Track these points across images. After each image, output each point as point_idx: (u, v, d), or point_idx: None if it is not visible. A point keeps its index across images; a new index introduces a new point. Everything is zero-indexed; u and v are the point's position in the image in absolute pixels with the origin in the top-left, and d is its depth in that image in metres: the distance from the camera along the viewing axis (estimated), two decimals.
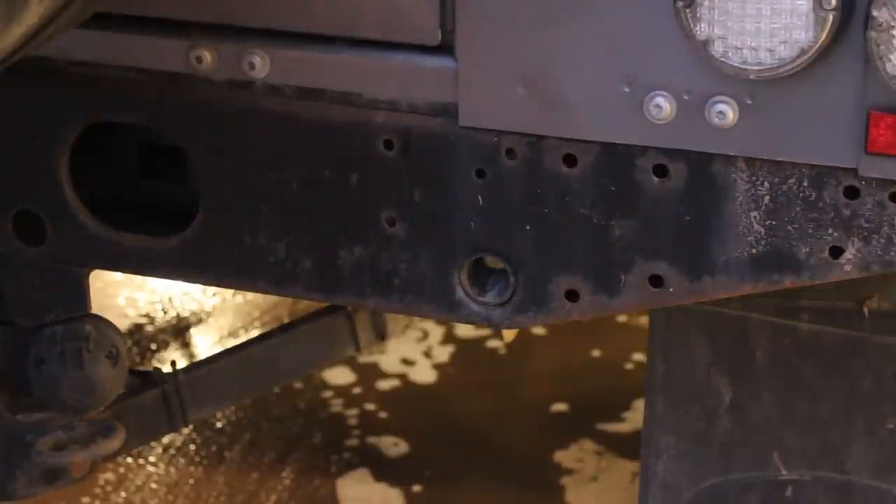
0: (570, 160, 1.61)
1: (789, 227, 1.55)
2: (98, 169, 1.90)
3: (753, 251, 1.57)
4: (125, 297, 3.87)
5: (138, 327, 3.73)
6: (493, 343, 3.66)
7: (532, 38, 1.57)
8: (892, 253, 1.52)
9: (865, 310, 1.79)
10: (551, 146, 1.62)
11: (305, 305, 3.18)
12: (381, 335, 2.55)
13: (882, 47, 1.42)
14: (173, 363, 2.29)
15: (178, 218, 1.82)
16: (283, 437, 3.31)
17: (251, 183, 1.76)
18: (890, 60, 1.42)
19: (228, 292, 3.82)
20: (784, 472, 1.86)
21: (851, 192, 1.52)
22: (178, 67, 1.73)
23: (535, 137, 1.62)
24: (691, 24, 1.47)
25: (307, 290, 1.77)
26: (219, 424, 3.35)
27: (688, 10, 1.47)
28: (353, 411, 3.39)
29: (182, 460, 3.22)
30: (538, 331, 3.68)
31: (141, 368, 2.38)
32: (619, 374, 3.57)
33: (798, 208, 1.54)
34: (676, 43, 1.51)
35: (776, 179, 1.54)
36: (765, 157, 1.54)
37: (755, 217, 1.56)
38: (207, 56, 1.71)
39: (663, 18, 1.50)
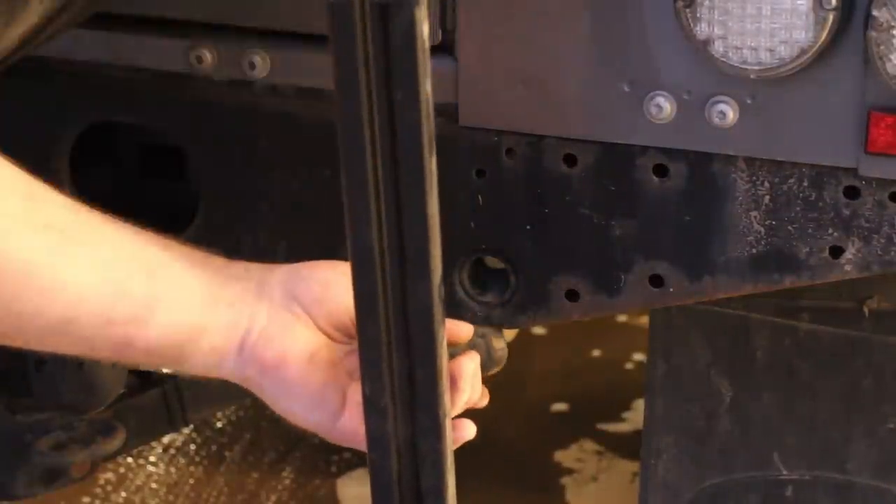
0: (570, 160, 1.61)
1: (789, 227, 1.55)
2: (98, 169, 1.90)
3: (753, 251, 1.57)
4: None
5: None
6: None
7: (532, 37, 1.57)
8: (892, 253, 1.52)
9: (865, 310, 1.78)
10: (551, 146, 1.62)
11: None
12: None
13: (882, 47, 1.42)
14: None
15: (178, 218, 1.82)
16: (283, 437, 3.30)
17: (251, 183, 1.76)
18: (890, 60, 1.42)
19: None
20: (784, 472, 1.86)
21: (851, 192, 1.52)
22: (178, 67, 1.73)
23: (535, 137, 1.62)
24: (691, 24, 1.47)
25: None
26: (219, 424, 3.35)
27: (688, 10, 1.47)
28: None
29: (182, 460, 3.22)
30: (538, 331, 3.68)
31: (141, 368, 2.37)
32: (619, 374, 3.56)
33: (798, 208, 1.54)
34: (676, 43, 1.51)
35: (776, 179, 1.54)
36: (765, 157, 1.54)
37: (755, 217, 1.56)
38: (207, 56, 1.71)
39: (663, 18, 1.50)
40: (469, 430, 1.23)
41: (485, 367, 1.38)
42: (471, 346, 1.31)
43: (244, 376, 1.22)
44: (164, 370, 2.28)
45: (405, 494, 1.03)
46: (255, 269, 1.26)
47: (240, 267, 1.25)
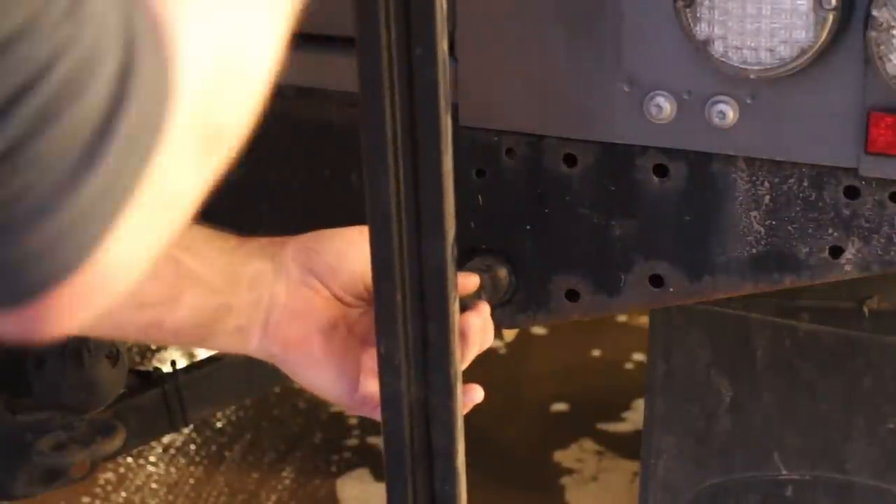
0: (570, 160, 1.61)
1: (789, 227, 1.55)
2: None
3: (753, 251, 1.57)
4: None
5: None
6: (494, 343, 3.65)
7: (531, 38, 1.57)
8: (892, 253, 1.52)
9: (865, 310, 1.79)
10: (551, 146, 1.62)
11: None
12: None
13: (882, 47, 1.42)
14: (173, 363, 2.29)
15: None
16: (283, 437, 3.31)
17: (251, 182, 1.76)
18: (890, 60, 1.42)
19: None
20: (784, 471, 1.86)
21: (851, 192, 1.52)
22: None
23: (535, 137, 1.62)
24: (691, 24, 1.47)
25: None
26: (219, 424, 3.35)
27: (688, 10, 1.47)
28: None
29: (182, 460, 3.22)
30: (538, 331, 3.68)
31: (141, 368, 2.37)
32: (619, 374, 3.57)
33: (798, 208, 1.54)
34: (676, 43, 1.51)
35: (776, 179, 1.54)
36: (765, 157, 1.54)
37: (755, 217, 1.56)
38: None
39: (663, 18, 1.50)
40: (477, 393, 1.25)
41: (491, 298, 1.43)
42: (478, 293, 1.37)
43: (269, 354, 1.25)
44: (165, 369, 2.28)
45: (417, 452, 1.04)
46: (268, 245, 1.27)
47: (254, 244, 1.26)
